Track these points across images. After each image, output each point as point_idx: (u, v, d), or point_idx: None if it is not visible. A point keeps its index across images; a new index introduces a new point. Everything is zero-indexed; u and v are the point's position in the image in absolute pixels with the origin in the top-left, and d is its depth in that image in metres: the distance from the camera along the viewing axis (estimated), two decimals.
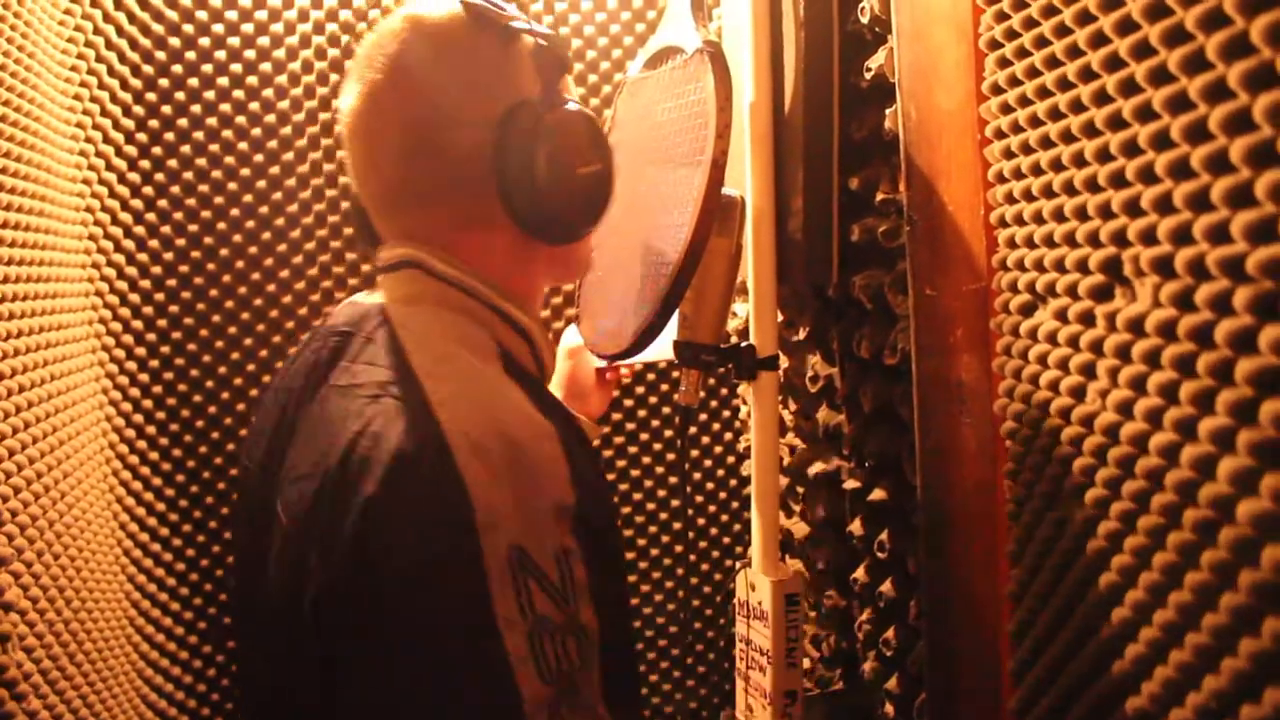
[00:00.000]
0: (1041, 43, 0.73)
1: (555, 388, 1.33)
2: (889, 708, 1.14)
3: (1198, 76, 0.55)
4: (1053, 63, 0.72)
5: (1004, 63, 0.80)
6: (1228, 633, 0.55)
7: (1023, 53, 0.76)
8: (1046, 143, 0.74)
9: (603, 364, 1.31)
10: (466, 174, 0.81)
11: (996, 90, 0.81)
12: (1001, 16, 0.79)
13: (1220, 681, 0.56)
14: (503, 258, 0.86)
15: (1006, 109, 0.80)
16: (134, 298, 1.45)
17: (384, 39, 0.83)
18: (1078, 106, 0.69)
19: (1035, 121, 0.76)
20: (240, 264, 1.48)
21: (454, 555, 0.66)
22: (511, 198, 0.81)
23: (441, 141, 0.81)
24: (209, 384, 1.48)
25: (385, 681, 0.68)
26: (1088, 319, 0.70)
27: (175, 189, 1.46)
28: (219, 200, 1.47)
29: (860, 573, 1.19)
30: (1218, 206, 0.53)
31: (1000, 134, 0.82)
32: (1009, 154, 0.80)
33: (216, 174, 1.46)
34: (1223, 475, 0.55)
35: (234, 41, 1.46)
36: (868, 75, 1.05)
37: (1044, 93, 0.74)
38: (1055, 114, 0.72)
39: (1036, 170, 0.76)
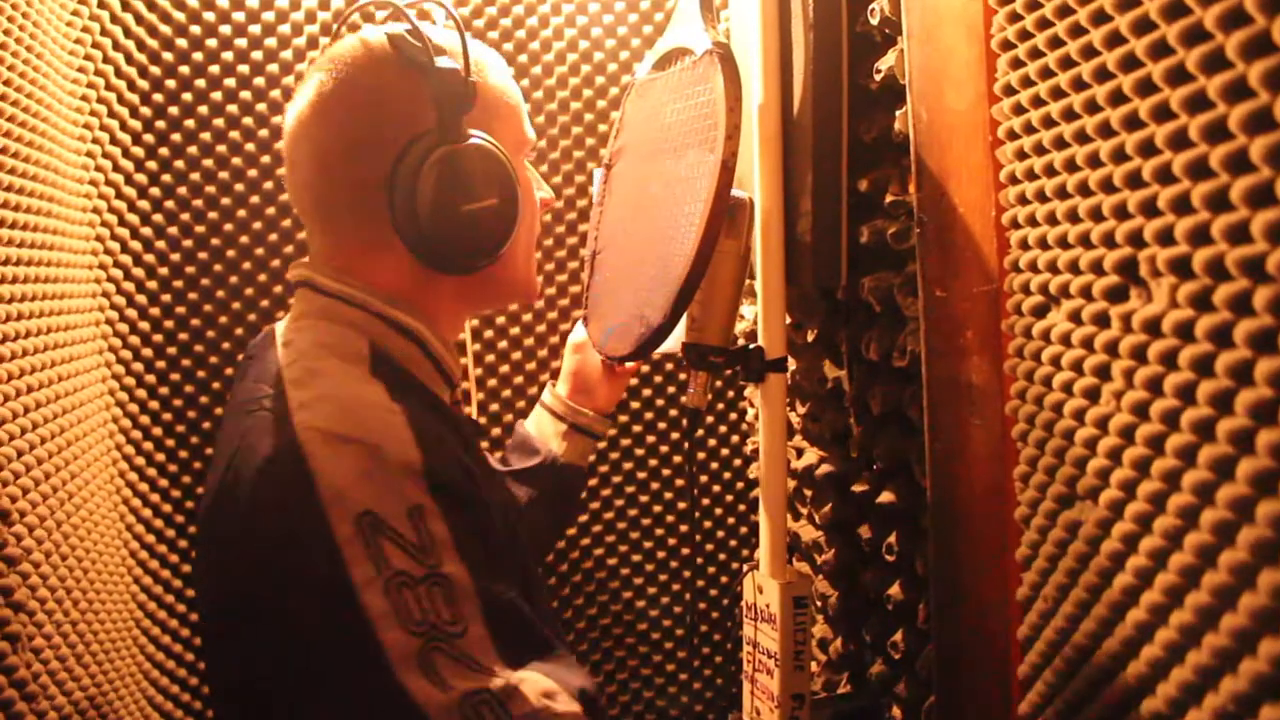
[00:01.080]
0: (1055, 43, 0.73)
1: (562, 381, 1.33)
2: (897, 711, 1.14)
3: (1217, 75, 0.54)
4: (1067, 63, 0.72)
5: (1017, 63, 0.79)
6: (1246, 635, 0.55)
7: (1036, 53, 0.76)
8: (1060, 143, 0.74)
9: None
10: (365, 200, 0.88)
11: (1009, 91, 0.81)
12: (1014, 17, 0.78)
13: (1239, 684, 0.55)
14: (405, 279, 0.92)
15: (1019, 110, 0.80)
16: (141, 299, 1.45)
17: (317, 70, 0.91)
18: (1093, 107, 0.69)
19: (1049, 122, 0.75)
20: (247, 265, 1.48)
21: (304, 532, 0.71)
22: (401, 226, 0.88)
23: (345, 168, 0.89)
24: (215, 385, 1.48)
25: (269, 662, 0.74)
26: (1102, 320, 0.70)
27: (182, 190, 1.46)
28: (225, 201, 1.47)
29: (868, 575, 1.18)
30: (1237, 206, 0.53)
31: (1013, 135, 0.81)
32: (1022, 155, 0.80)
33: (223, 175, 1.46)
34: (1241, 476, 0.54)
35: (241, 43, 1.46)
36: (877, 77, 1.05)
37: (1058, 93, 0.74)
38: (1069, 114, 0.72)
39: (1050, 171, 0.76)
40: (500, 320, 1.57)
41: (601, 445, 1.60)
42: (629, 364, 1.35)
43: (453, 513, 0.75)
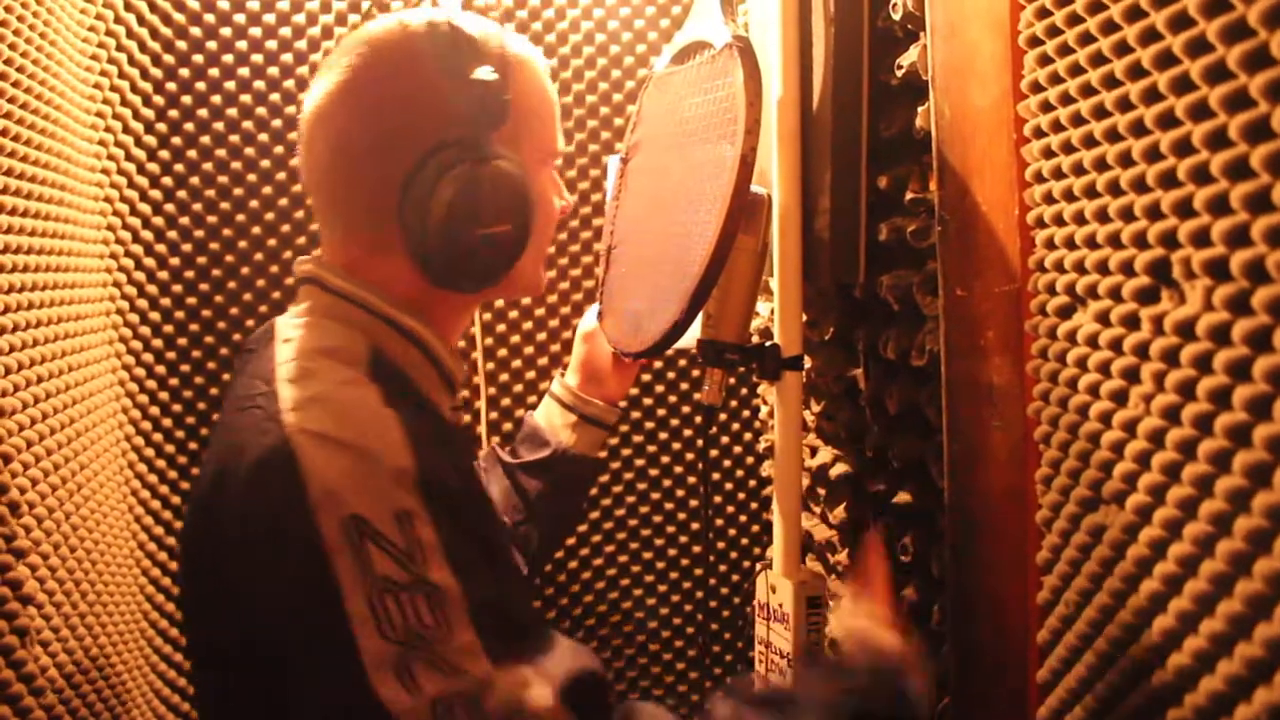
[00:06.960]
0: (1086, 39, 0.72)
1: (572, 371, 1.31)
2: None
3: (1259, 74, 0.53)
4: (1098, 60, 0.70)
5: (1045, 60, 0.78)
6: None
7: (1065, 50, 0.75)
8: (1090, 141, 0.73)
9: None
10: (377, 203, 0.85)
11: (1036, 88, 0.80)
12: (1043, 13, 0.77)
13: (1274, 695, 0.54)
14: (408, 283, 0.89)
15: (1046, 107, 0.78)
16: (152, 289, 1.44)
17: (346, 52, 0.87)
18: (1125, 105, 0.67)
19: (1078, 120, 0.74)
20: (259, 256, 1.47)
21: (292, 535, 0.70)
22: (409, 237, 0.85)
23: (361, 167, 0.86)
24: (225, 376, 1.47)
25: (252, 662, 0.74)
26: (1131, 322, 0.68)
27: (194, 180, 1.45)
28: (238, 191, 1.46)
29: None
30: (1279, 207, 0.52)
31: (1039, 133, 0.80)
32: (1049, 153, 0.79)
33: (236, 165, 1.46)
34: (1279, 483, 0.53)
35: (255, 32, 1.45)
36: (899, 72, 1.03)
37: (1088, 90, 0.72)
38: (1100, 112, 0.71)
39: (1078, 170, 0.75)
40: (512, 315, 1.56)
41: (613, 440, 1.59)
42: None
43: (442, 517, 0.74)
